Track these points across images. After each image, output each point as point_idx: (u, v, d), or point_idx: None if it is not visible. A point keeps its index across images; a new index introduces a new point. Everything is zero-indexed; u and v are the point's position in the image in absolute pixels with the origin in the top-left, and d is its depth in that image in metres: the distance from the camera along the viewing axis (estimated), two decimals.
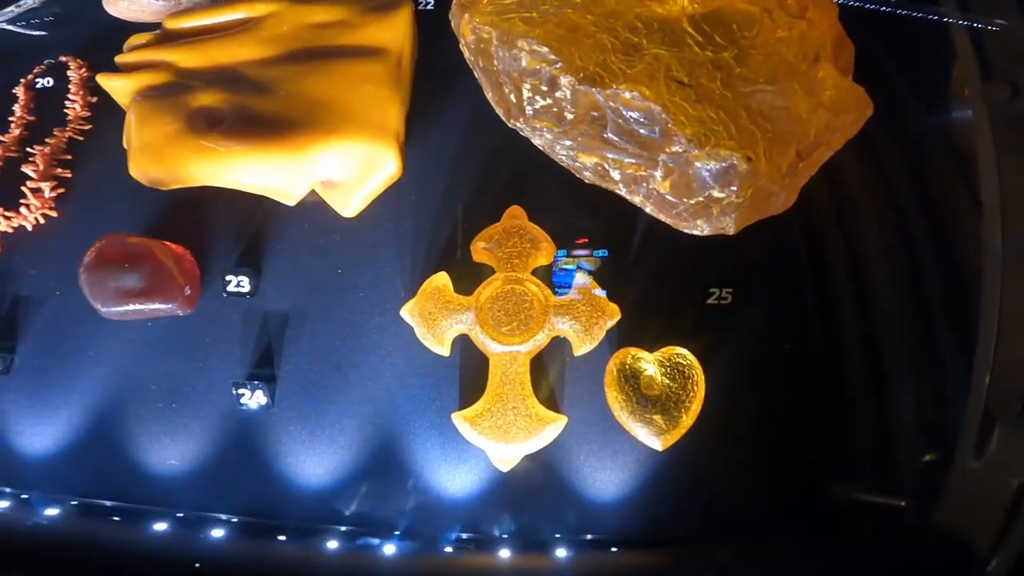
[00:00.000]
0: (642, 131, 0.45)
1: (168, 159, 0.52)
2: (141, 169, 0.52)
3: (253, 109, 0.53)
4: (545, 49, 0.45)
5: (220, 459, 0.53)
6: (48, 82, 0.69)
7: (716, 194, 0.45)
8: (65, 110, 0.65)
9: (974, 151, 0.48)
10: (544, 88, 0.47)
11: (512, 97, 0.50)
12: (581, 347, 0.50)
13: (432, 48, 0.61)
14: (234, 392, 0.52)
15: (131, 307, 0.51)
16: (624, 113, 0.44)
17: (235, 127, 0.52)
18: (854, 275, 0.53)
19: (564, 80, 0.45)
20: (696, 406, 0.49)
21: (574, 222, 0.53)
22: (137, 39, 0.61)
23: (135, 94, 0.56)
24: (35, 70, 0.70)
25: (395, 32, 0.57)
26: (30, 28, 0.77)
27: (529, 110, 0.49)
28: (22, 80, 0.69)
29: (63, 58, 0.70)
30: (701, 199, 0.45)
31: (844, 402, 0.51)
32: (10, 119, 0.66)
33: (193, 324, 0.54)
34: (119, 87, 0.57)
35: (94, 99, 0.66)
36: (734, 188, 0.44)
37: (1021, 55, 0.47)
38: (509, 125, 0.52)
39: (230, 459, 0.53)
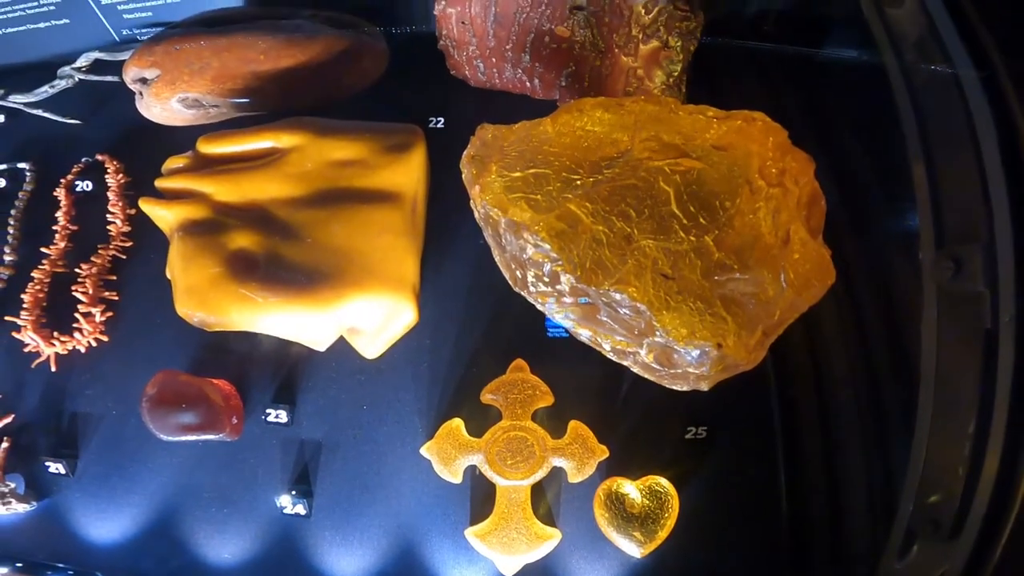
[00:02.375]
0: (630, 321, 0.51)
1: (211, 303, 0.57)
2: (187, 310, 0.58)
3: (284, 257, 0.58)
4: (547, 247, 0.51)
5: (265, 557, 0.60)
6: (88, 186, 0.74)
7: (692, 369, 0.51)
8: (108, 227, 0.70)
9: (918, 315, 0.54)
10: (546, 279, 0.53)
11: (518, 273, 0.55)
12: (575, 478, 0.57)
13: (442, 169, 0.66)
14: (276, 503, 0.60)
15: (186, 436, 0.58)
16: (615, 306, 0.50)
17: (269, 276, 0.57)
18: (819, 412, 0.61)
19: (564, 277, 0.51)
20: (671, 522, 0.56)
21: (571, 369, 0.60)
22: (174, 162, 0.65)
23: (177, 227, 0.61)
24: (73, 170, 0.75)
25: (409, 176, 0.62)
26: (66, 116, 0.82)
27: (532, 289, 0.55)
28: (62, 181, 0.74)
29: (100, 157, 0.75)
30: (680, 371, 0.52)
31: (801, 516, 0.59)
32: (54, 228, 0.71)
33: (239, 447, 0.61)
34: (161, 215, 0.62)
35: (132, 211, 0.71)
36: (706, 368, 0.50)
37: (970, 232, 0.51)
38: (514, 289, 0.57)
39: (273, 557, 0.60)
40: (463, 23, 0.71)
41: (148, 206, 0.62)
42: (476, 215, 0.58)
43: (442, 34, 0.74)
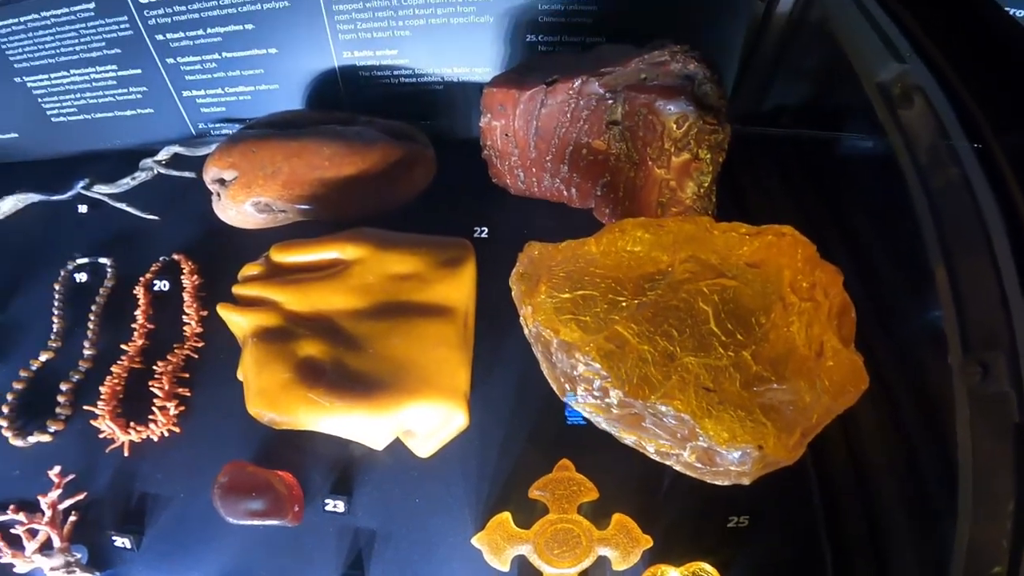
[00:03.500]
0: (674, 427, 0.53)
1: (281, 405, 0.60)
2: (258, 410, 0.61)
3: (348, 366, 0.62)
4: (598, 366, 0.54)
5: None
6: (164, 286, 0.79)
7: (734, 467, 0.53)
8: (183, 327, 0.75)
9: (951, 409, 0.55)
10: (596, 393, 0.55)
11: (567, 386, 0.58)
12: (620, 566, 0.59)
13: (488, 277, 0.70)
14: None
15: (251, 521, 0.61)
16: (660, 415, 0.53)
17: (335, 383, 0.60)
18: (860, 501, 0.63)
19: (613, 392, 0.54)
20: None
21: (615, 469, 0.62)
22: (249, 269, 0.70)
23: (251, 334, 0.64)
24: (152, 269, 0.80)
25: (461, 291, 0.66)
26: (144, 211, 0.87)
27: (581, 400, 0.57)
28: (141, 280, 0.78)
29: (175, 256, 0.81)
30: (722, 468, 0.54)
31: None
32: (133, 326, 0.76)
33: (298, 532, 0.63)
34: (237, 322, 0.66)
35: (204, 312, 0.75)
36: (747, 466, 0.53)
37: (994, 336, 0.53)
38: (562, 399, 0.60)
39: None
40: (507, 135, 0.77)
41: (226, 312, 0.66)
42: (526, 331, 0.61)
43: (486, 145, 0.79)
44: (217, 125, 0.96)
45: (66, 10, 0.86)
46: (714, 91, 0.68)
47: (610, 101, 0.71)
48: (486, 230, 0.79)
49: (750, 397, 0.53)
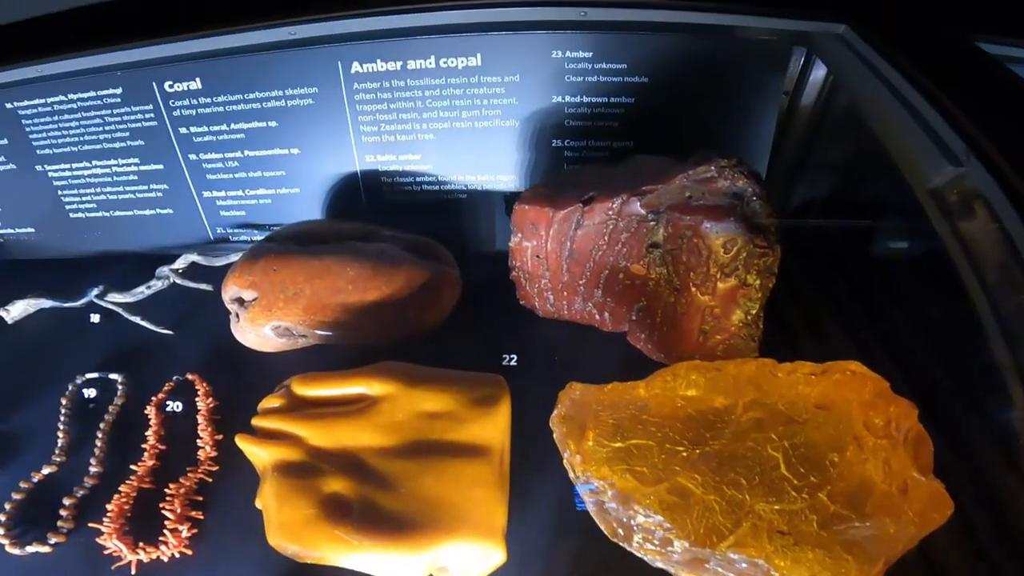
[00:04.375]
0: (745, 570, 0.49)
1: (305, 540, 0.57)
2: (281, 543, 0.57)
3: (378, 504, 0.58)
4: (659, 518, 0.50)
5: None
6: (178, 407, 0.75)
7: None
8: (196, 450, 0.71)
9: None
10: (656, 542, 0.51)
11: (620, 531, 0.54)
12: None
13: (521, 409, 0.66)
14: None
15: None
16: (729, 561, 0.49)
17: (363, 520, 0.57)
18: None
19: (677, 542, 0.50)
20: None
21: None
22: (270, 402, 0.66)
23: (272, 467, 0.61)
24: (164, 388, 0.76)
25: (497, 429, 0.62)
26: (158, 324, 0.85)
27: (636, 545, 0.53)
28: (153, 400, 0.75)
29: (190, 376, 0.77)
30: None
31: None
32: (143, 446, 0.72)
33: None
34: (256, 453, 0.62)
35: (220, 437, 0.71)
36: None
37: None
38: (611, 539, 0.55)
39: None
40: (538, 257, 0.73)
41: (244, 444, 0.63)
42: (571, 474, 0.58)
43: (515, 266, 0.76)
44: (236, 230, 0.94)
45: (93, 93, 0.85)
46: (763, 208, 0.64)
47: (652, 222, 0.67)
48: (515, 358, 0.74)
49: (830, 536, 0.49)
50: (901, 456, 0.53)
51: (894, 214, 0.84)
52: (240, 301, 0.74)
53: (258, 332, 0.73)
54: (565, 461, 0.58)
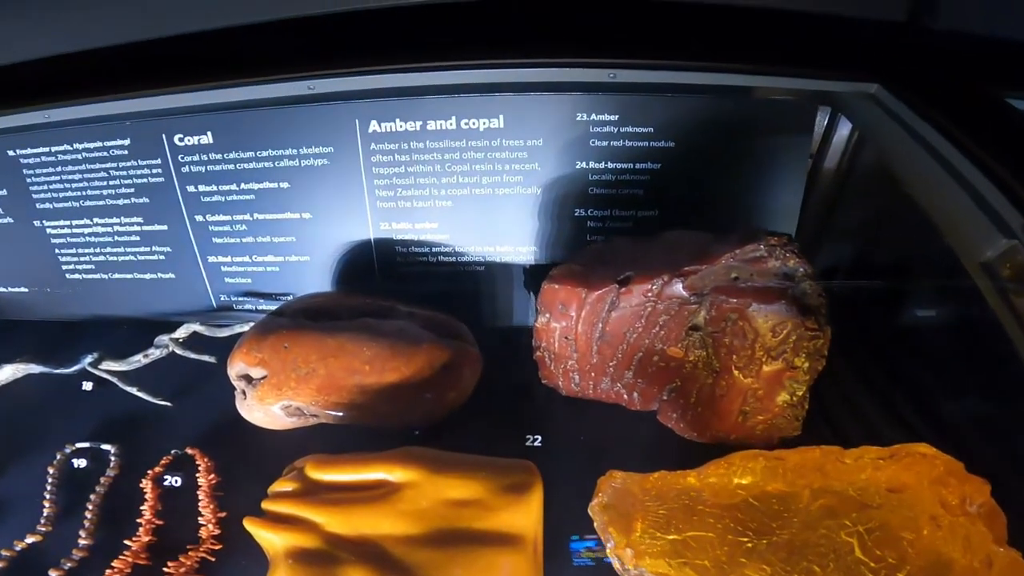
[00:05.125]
0: None
1: None
2: None
3: None
4: None
5: None
6: (176, 481, 0.69)
7: None
8: (198, 528, 0.66)
9: None
10: None
11: None
12: None
13: (549, 492, 0.61)
14: None
15: None
16: None
17: None
18: None
19: None
20: None
21: None
22: (282, 485, 0.61)
23: (286, 554, 0.56)
24: (162, 462, 0.71)
25: (530, 516, 0.57)
26: (156, 395, 0.79)
27: None
28: (149, 473, 0.69)
29: (189, 451, 0.72)
30: None
31: None
32: (138, 520, 0.66)
33: None
34: (269, 539, 0.57)
35: (223, 514, 0.66)
36: None
37: None
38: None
39: None
40: (566, 338, 0.68)
41: (255, 527, 0.57)
42: (616, 563, 0.54)
43: (540, 346, 0.71)
44: (240, 298, 0.89)
45: (100, 144, 0.81)
46: (812, 289, 0.60)
47: (694, 305, 0.63)
48: (539, 438, 0.70)
49: None
50: (980, 531, 0.50)
51: (926, 276, 0.80)
52: (247, 378, 0.69)
53: (266, 411, 0.68)
54: (609, 551, 0.54)
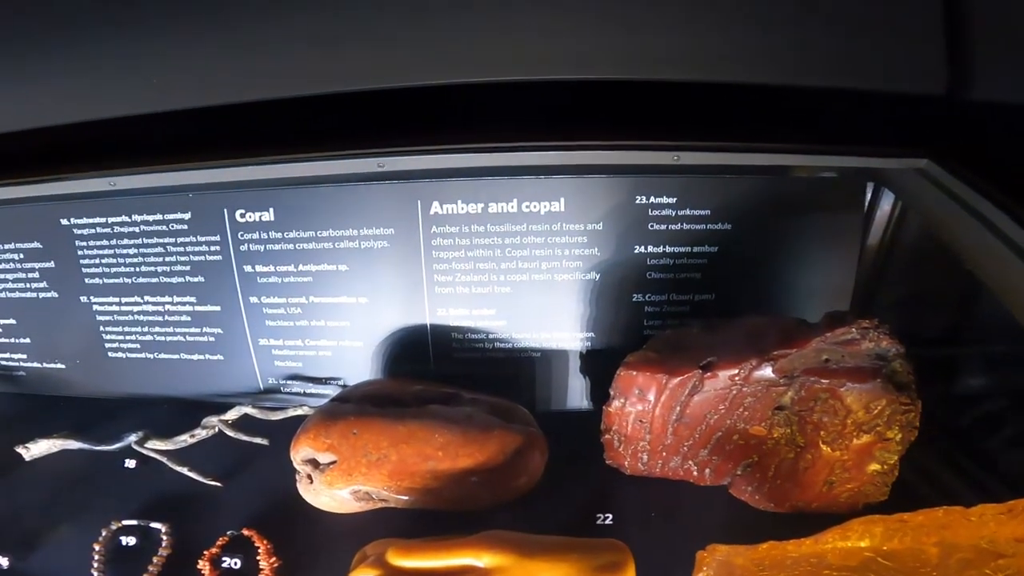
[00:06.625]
0: None
1: None
2: None
3: None
4: None
5: None
6: (235, 563, 0.65)
7: None
8: None
9: None
10: None
11: None
12: None
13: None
14: None
15: None
16: None
17: None
18: None
19: None
20: None
21: None
22: (362, 572, 0.58)
23: None
24: (218, 543, 0.68)
25: None
26: (205, 475, 0.76)
27: None
28: (206, 553, 0.66)
29: (246, 532, 0.69)
30: None
31: None
32: None
33: None
34: None
35: None
36: None
37: None
38: None
39: None
40: (641, 422, 0.66)
41: None
42: None
43: (611, 429, 0.68)
44: (288, 382, 0.86)
45: (159, 216, 0.79)
46: (903, 367, 0.60)
47: (783, 387, 0.63)
48: (610, 516, 0.68)
49: None
50: None
51: (972, 344, 0.80)
52: (314, 463, 0.67)
53: (334, 495, 0.66)
54: None
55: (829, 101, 0.68)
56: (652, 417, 0.65)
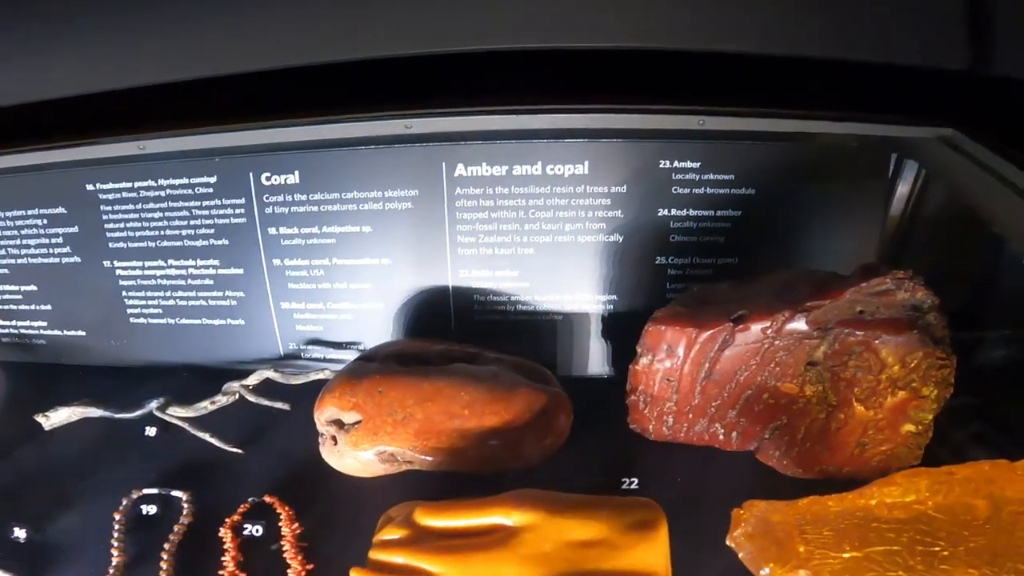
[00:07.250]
0: None
1: None
2: None
3: None
4: None
5: None
6: (257, 531, 0.65)
7: None
8: None
9: None
10: None
11: None
12: None
13: None
14: None
15: None
16: None
17: None
18: None
19: None
20: None
21: None
22: (389, 533, 0.57)
23: None
24: (239, 510, 0.67)
25: (660, 554, 0.54)
26: (226, 441, 0.76)
27: None
28: (227, 521, 0.65)
29: (268, 499, 0.68)
30: None
31: None
32: (220, 573, 0.62)
33: None
34: None
35: (311, 566, 0.62)
36: None
37: None
38: None
39: None
40: (669, 380, 0.65)
41: None
42: None
43: (637, 389, 0.67)
44: (308, 346, 0.85)
45: (185, 180, 0.79)
46: (938, 320, 0.58)
47: (815, 340, 0.61)
48: (636, 481, 0.67)
49: None
50: None
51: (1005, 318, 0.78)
52: (339, 423, 0.66)
53: (357, 456, 0.65)
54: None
55: (854, 75, 0.68)
56: (680, 375, 0.64)
